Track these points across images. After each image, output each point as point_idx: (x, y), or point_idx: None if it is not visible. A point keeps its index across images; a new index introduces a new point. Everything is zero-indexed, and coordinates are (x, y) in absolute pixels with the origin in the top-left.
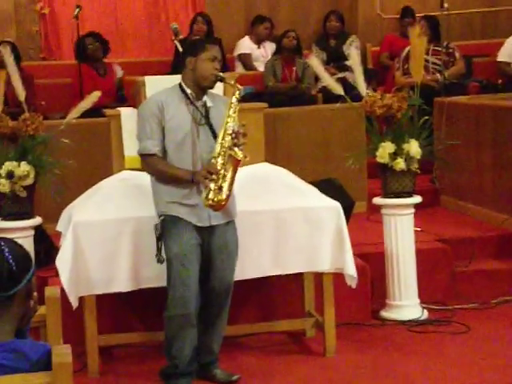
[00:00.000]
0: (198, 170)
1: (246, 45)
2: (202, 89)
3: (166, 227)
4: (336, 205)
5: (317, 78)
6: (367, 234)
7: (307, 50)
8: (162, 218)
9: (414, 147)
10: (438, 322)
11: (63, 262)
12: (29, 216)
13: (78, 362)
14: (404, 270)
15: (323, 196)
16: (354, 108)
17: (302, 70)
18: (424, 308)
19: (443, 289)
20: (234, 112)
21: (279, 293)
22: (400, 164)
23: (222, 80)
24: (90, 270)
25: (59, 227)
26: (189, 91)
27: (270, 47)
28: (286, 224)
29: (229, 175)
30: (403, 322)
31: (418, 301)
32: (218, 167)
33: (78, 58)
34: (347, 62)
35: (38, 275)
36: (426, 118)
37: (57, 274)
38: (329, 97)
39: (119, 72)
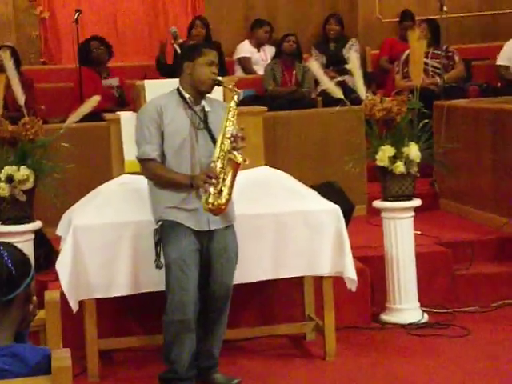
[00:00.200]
0: (197, 175)
1: (245, 48)
2: (200, 93)
3: (165, 232)
4: (336, 208)
5: (316, 82)
6: (367, 238)
7: (307, 54)
8: (160, 223)
9: (413, 150)
10: (437, 325)
11: (63, 265)
12: (28, 220)
13: (77, 366)
14: (404, 273)
15: (323, 199)
16: (354, 111)
17: (301, 73)
18: (424, 311)
19: (443, 292)
20: (233, 116)
21: (279, 296)
22: (400, 167)
23: (219, 84)
24: (89, 273)
25: (59, 231)
26: (187, 96)
27: (269, 51)
28: (285, 228)
29: (228, 179)
30: (403, 326)
31: (418, 304)
32: (218, 171)
33: (82, 61)
34: (347, 66)
35: (38, 279)
36: (426, 121)
37: (57, 278)
38: (328, 100)
39: (114, 82)
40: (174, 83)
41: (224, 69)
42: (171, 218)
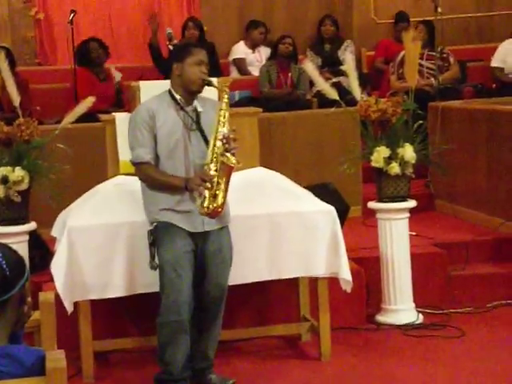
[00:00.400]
0: (192, 178)
1: (240, 49)
2: (190, 93)
3: (159, 234)
4: (331, 209)
5: (312, 83)
6: (362, 239)
7: (302, 55)
8: (154, 224)
9: (408, 152)
10: (433, 326)
11: (58, 266)
12: (23, 221)
13: (72, 368)
14: (399, 274)
15: (318, 200)
16: (349, 112)
17: (297, 75)
18: (419, 312)
19: (438, 293)
20: (224, 117)
21: (274, 297)
22: (395, 168)
23: (209, 84)
24: (84, 274)
25: (54, 232)
26: (178, 97)
27: (264, 52)
28: (280, 228)
29: (223, 182)
30: (398, 326)
31: (413, 305)
32: (211, 174)
33: (79, 62)
34: (342, 67)
35: (33, 280)
36: (421, 122)
37: (51, 279)
38: (323, 101)
39: (117, 76)
40: (169, 84)
41: (218, 70)
42: (166, 220)
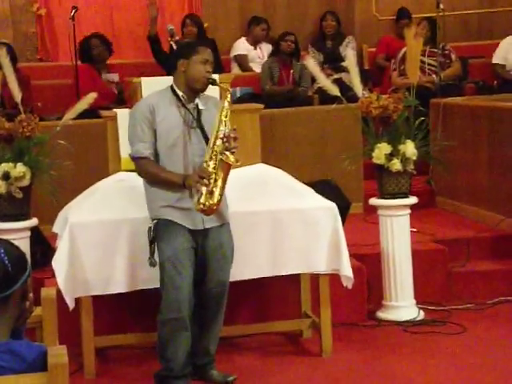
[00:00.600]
0: (190, 174)
1: (242, 46)
2: (193, 91)
3: (160, 231)
4: (332, 206)
5: (313, 80)
6: (363, 235)
7: (303, 51)
8: (155, 221)
9: (409, 148)
10: (433, 322)
11: (59, 263)
12: (25, 217)
13: (74, 363)
14: (400, 270)
15: (319, 197)
16: (350, 109)
17: (299, 72)
18: (420, 308)
19: (439, 289)
20: (226, 116)
21: (276, 294)
22: (396, 165)
23: (213, 83)
24: (86, 271)
25: (55, 228)
26: (180, 94)
27: (266, 48)
28: (282, 225)
29: (220, 179)
30: (399, 323)
31: (414, 301)
32: (210, 171)
33: (82, 58)
34: (343, 63)
35: (35, 276)
36: (422, 119)
37: (53, 275)
38: (325, 98)
39: (115, 78)
40: (170, 81)
41: (219, 66)
42: (166, 217)
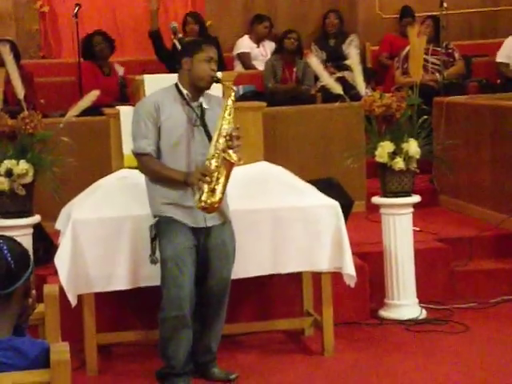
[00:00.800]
0: (192, 172)
1: (245, 44)
2: (198, 90)
3: (161, 228)
4: (335, 204)
5: (316, 78)
6: (366, 234)
7: (306, 50)
8: (156, 218)
9: (412, 147)
10: (436, 321)
11: (62, 259)
12: (28, 214)
13: (76, 360)
14: (402, 269)
15: (322, 195)
16: (353, 107)
17: (302, 70)
18: (422, 307)
19: (442, 288)
20: (229, 114)
21: (278, 292)
22: (399, 163)
23: (218, 81)
24: (88, 267)
25: (58, 225)
26: (185, 92)
27: (269, 46)
28: (284, 223)
29: (222, 178)
30: (402, 322)
31: (417, 300)
32: (212, 170)
33: (84, 55)
34: (346, 62)
35: (37, 273)
36: (425, 117)
37: (56, 272)
38: (328, 96)
39: (120, 71)
40: (173, 78)
41: (222, 64)
42: (168, 215)
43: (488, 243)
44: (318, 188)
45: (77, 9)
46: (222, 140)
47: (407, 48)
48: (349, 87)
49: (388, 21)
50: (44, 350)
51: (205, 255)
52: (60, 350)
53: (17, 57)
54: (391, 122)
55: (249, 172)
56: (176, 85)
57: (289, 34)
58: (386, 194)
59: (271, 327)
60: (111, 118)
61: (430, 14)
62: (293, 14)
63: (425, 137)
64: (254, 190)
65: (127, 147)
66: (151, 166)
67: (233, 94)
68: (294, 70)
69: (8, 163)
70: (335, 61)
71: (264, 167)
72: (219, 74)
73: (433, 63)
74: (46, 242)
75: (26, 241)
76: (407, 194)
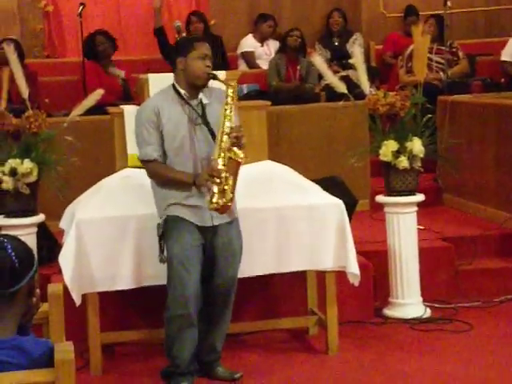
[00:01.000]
0: (200, 173)
1: (249, 43)
2: (195, 88)
3: (168, 227)
4: (339, 203)
5: (320, 77)
6: (370, 232)
7: (310, 48)
8: (164, 217)
9: (417, 145)
10: (440, 320)
11: (66, 259)
12: (32, 213)
13: (80, 360)
14: (407, 268)
15: (326, 194)
16: (357, 106)
17: (306, 69)
18: (427, 306)
19: (446, 287)
20: (231, 111)
21: (282, 291)
22: (403, 162)
23: (214, 78)
24: (92, 267)
25: (62, 224)
26: (183, 92)
27: (273, 45)
28: (288, 222)
29: (231, 177)
30: (406, 320)
31: (421, 299)
32: (220, 169)
33: (87, 55)
34: (350, 60)
35: (41, 272)
36: (429, 116)
37: (60, 271)
38: (332, 95)
39: (121, 74)
40: None
41: (226, 63)
42: (175, 214)
43: (492, 242)
44: (322, 187)
45: (81, 8)
46: (225, 138)
47: (411, 47)
48: (353, 86)
49: (392, 20)
50: (48, 350)
51: (211, 254)
52: (64, 350)
53: (21, 56)
54: (395, 120)
55: (253, 171)
56: (173, 85)
57: (291, 32)
58: (390, 192)
59: (275, 326)
60: (115, 117)
61: (433, 13)
62: (297, 12)
63: (429, 136)
64: (258, 189)
65: (131, 146)
66: (159, 172)
67: (231, 90)
68: (298, 68)
69: (12, 162)
70: (339, 60)
71: (268, 166)
72: (221, 73)
73: (437, 62)
74: (50, 242)
75: (31, 240)
76: (411, 192)
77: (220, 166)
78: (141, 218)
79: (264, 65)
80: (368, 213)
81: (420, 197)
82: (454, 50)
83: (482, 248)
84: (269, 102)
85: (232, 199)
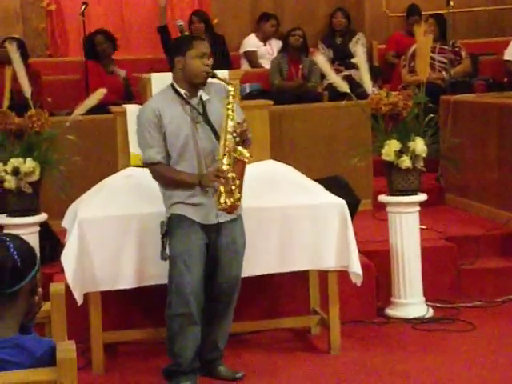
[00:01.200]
0: (205, 174)
1: (251, 42)
2: (194, 86)
3: (172, 225)
4: (341, 202)
5: (323, 76)
6: (372, 232)
7: (313, 48)
8: (168, 215)
9: (419, 145)
10: (442, 320)
11: (68, 258)
12: (34, 212)
13: (82, 359)
14: (409, 267)
15: (329, 193)
16: (360, 106)
17: (308, 68)
18: (429, 306)
19: (448, 287)
20: (233, 110)
21: (284, 290)
22: (405, 162)
23: (214, 76)
24: (95, 266)
25: (65, 224)
26: (182, 91)
27: (275, 44)
28: (291, 221)
29: (237, 176)
30: (408, 320)
31: (423, 299)
32: (225, 169)
33: (87, 54)
34: (353, 60)
35: (43, 271)
36: (432, 116)
37: (62, 271)
38: (334, 94)
39: (122, 73)
40: None
41: (229, 62)
42: (179, 212)
43: (495, 242)
44: (324, 186)
45: (84, 7)
46: (229, 137)
47: (414, 46)
48: (355, 85)
49: (395, 19)
50: (50, 349)
51: (215, 253)
52: (66, 349)
53: (25, 55)
54: (398, 120)
55: (256, 171)
56: (172, 85)
57: (293, 31)
58: (392, 192)
59: (278, 325)
60: (118, 116)
61: (434, 12)
62: (299, 12)
63: (431, 135)
64: (260, 189)
65: (134, 146)
66: (163, 174)
67: (232, 89)
68: (300, 67)
69: (15, 161)
70: (342, 59)
71: (271, 166)
72: (223, 72)
73: (440, 61)
74: (52, 241)
75: (33, 239)
76: (414, 192)
77: (225, 166)
78: (143, 217)
79: (266, 64)
80: (370, 212)
81: (422, 196)
82: (457, 49)
83: (485, 248)
84: (271, 102)
85: (240, 199)
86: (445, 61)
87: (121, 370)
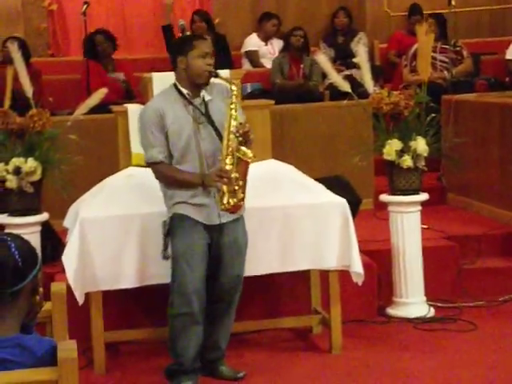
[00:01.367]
0: (208, 174)
1: (253, 42)
2: (197, 86)
3: (174, 225)
4: (343, 202)
5: (324, 75)
6: (374, 231)
7: (315, 47)
8: (170, 215)
9: (421, 145)
10: (444, 319)
11: (69, 258)
12: (36, 212)
13: (83, 359)
14: (410, 267)
15: (330, 193)
16: (361, 105)
17: (309, 67)
18: (430, 305)
19: (450, 286)
20: (236, 111)
21: (286, 290)
22: (407, 161)
23: (216, 76)
24: (96, 266)
25: (66, 223)
26: (185, 91)
27: (277, 44)
28: (292, 221)
29: (240, 176)
30: (409, 320)
31: (425, 298)
32: (228, 169)
33: (87, 54)
34: (355, 59)
35: (45, 271)
36: (434, 115)
37: (63, 270)
38: (336, 94)
39: (120, 76)
40: None
41: (230, 62)
42: (181, 212)
43: (496, 241)
44: (325, 186)
45: (85, 7)
46: (232, 137)
47: (415, 46)
48: (357, 85)
49: (396, 19)
50: (51, 348)
51: (217, 253)
52: (67, 348)
53: (26, 54)
54: (399, 119)
55: (257, 170)
56: (174, 85)
57: (295, 31)
58: (393, 191)
59: (279, 325)
60: (119, 115)
61: (434, 12)
62: (301, 11)
63: (433, 135)
64: (262, 188)
65: (135, 145)
66: (166, 173)
67: (235, 88)
68: (301, 66)
69: (16, 161)
70: (343, 58)
71: (272, 165)
72: (224, 72)
73: (441, 61)
74: (53, 240)
75: (34, 239)
76: (415, 191)
77: (228, 166)
78: (144, 217)
79: (268, 64)
80: (372, 212)
81: (424, 196)
82: (459, 49)
83: (486, 247)
84: (272, 101)
85: (243, 199)
86: (446, 60)
87: (122, 369)
